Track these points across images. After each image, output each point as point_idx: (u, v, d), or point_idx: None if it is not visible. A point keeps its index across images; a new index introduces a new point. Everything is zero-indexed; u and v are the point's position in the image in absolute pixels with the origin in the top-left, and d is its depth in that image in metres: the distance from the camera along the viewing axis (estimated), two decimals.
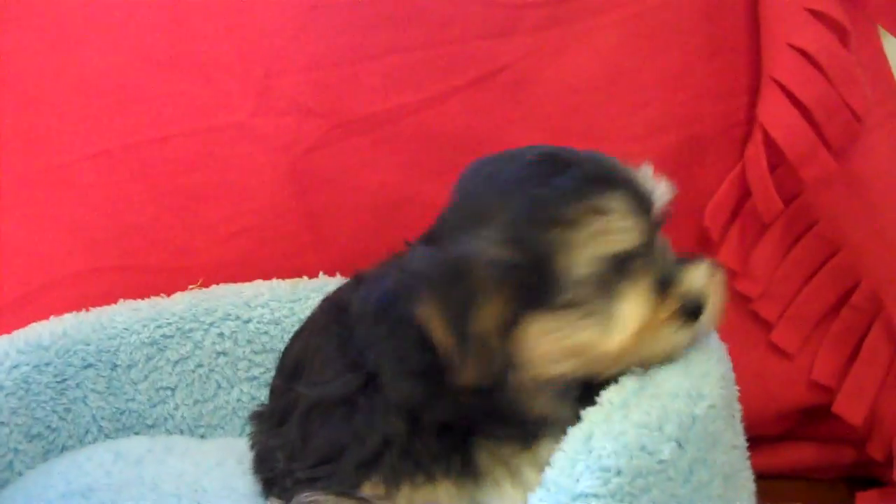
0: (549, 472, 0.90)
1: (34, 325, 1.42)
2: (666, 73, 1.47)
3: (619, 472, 0.88)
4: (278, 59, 1.50)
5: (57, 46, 1.54)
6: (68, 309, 1.48)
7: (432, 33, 1.48)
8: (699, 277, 1.00)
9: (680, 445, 0.92)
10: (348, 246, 1.52)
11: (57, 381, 1.39)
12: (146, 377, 1.46)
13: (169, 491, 1.27)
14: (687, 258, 1.03)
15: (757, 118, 1.42)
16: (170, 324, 1.46)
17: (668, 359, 0.99)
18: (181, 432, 1.47)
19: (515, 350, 0.96)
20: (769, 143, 1.41)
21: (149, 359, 1.45)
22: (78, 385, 1.42)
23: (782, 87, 1.39)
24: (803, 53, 1.37)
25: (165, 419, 1.47)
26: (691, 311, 0.98)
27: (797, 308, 1.47)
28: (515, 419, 1.00)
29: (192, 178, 1.54)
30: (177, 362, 1.47)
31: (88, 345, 1.42)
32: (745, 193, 1.47)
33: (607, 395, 0.97)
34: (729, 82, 1.48)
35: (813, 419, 1.53)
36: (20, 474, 1.35)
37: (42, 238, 1.57)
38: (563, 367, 0.97)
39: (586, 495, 0.87)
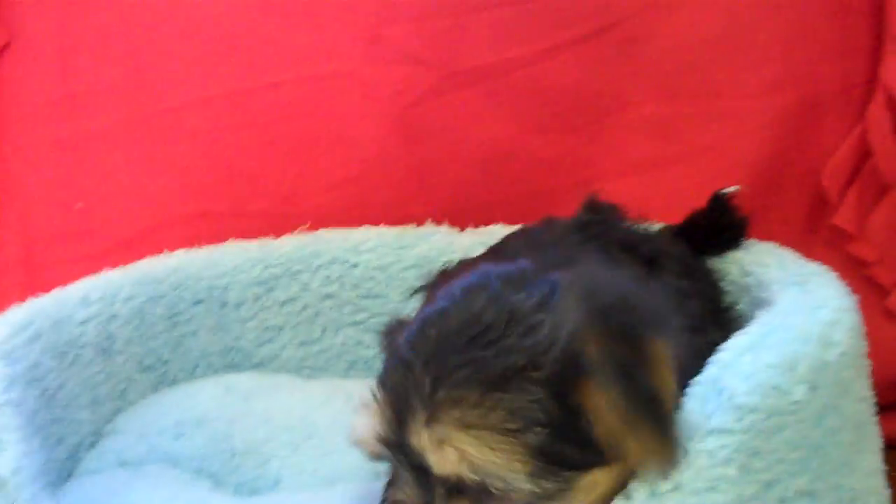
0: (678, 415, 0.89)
1: (147, 259, 1.44)
2: (785, 30, 1.46)
3: (752, 410, 0.87)
4: (389, 8, 1.51)
5: None
6: (179, 248, 1.50)
7: None
8: None
9: (812, 388, 0.91)
10: (454, 196, 1.53)
11: (170, 315, 1.42)
12: (254, 316, 1.48)
13: (280, 424, 1.29)
14: None
15: (880, 78, 1.40)
16: (279, 264, 1.48)
17: None
18: (286, 372, 1.49)
19: None
20: (892, 104, 1.38)
21: (257, 298, 1.47)
22: (189, 320, 1.44)
23: None
24: None
25: (272, 359, 1.49)
26: None
27: None
28: None
29: (302, 126, 1.55)
30: (284, 303, 1.48)
31: (200, 281, 1.44)
32: (864, 155, 1.45)
33: (733, 341, 0.96)
34: (850, 42, 1.46)
35: None
36: (132, 403, 1.37)
37: (152, 181, 1.59)
38: None
39: (719, 431, 0.86)
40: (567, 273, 0.91)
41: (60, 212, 1.60)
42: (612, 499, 0.86)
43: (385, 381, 0.89)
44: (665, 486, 0.84)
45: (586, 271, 0.94)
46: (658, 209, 1.34)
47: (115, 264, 1.43)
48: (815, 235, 1.42)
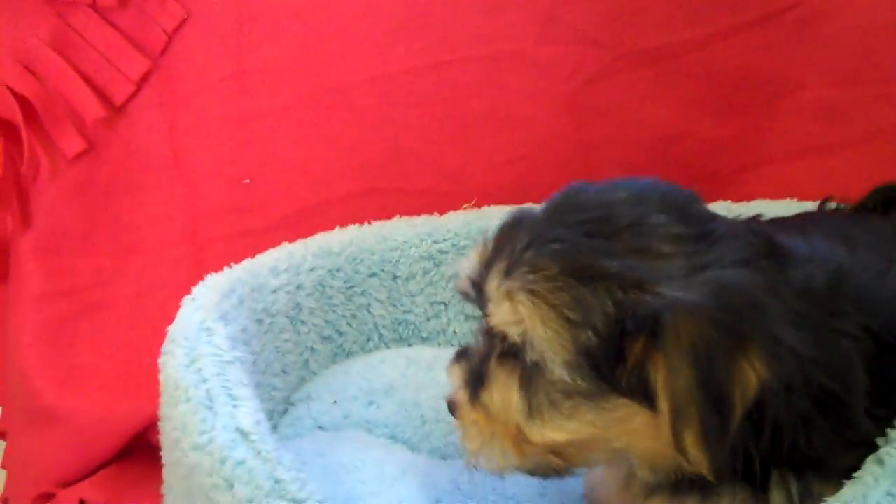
0: None
1: (321, 234, 1.47)
2: None
3: None
4: None
5: None
6: (341, 225, 1.52)
7: None
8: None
9: None
10: (620, 177, 1.53)
11: (346, 287, 1.45)
12: (422, 290, 1.50)
13: None
14: None
15: None
16: (445, 240, 1.50)
17: None
18: (453, 346, 1.50)
19: None
20: None
21: (425, 272, 1.50)
22: (363, 293, 1.47)
23: None
24: None
25: (439, 332, 1.52)
26: None
27: None
28: None
29: (470, 105, 1.58)
30: (451, 278, 1.50)
31: (373, 254, 1.47)
32: None
33: None
34: None
35: None
36: (314, 373, 1.41)
37: (319, 157, 1.62)
38: None
39: None
40: (752, 252, 0.86)
41: (228, 187, 1.63)
42: (651, 455, 0.86)
43: (497, 231, 0.92)
44: None
45: (776, 263, 0.88)
46: (825, 193, 1.35)
47: (279, 240, 1.45)
48: None
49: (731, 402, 0.78)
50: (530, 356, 0.86)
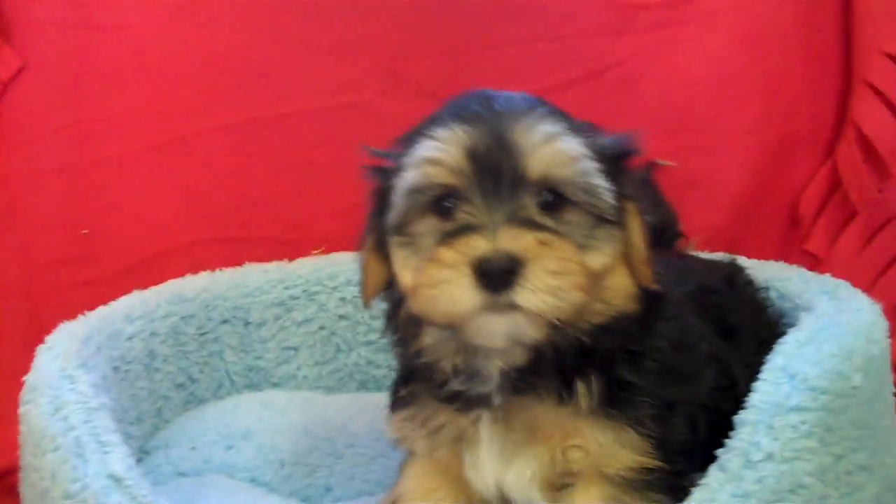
0: (754, 397, 1.01)
1: (174, 280, 1.47)
2: (767, 75, 1.62)
3: (824, 392, 1.00)
4: (407, 45, 1.60)
5: (186, 21, 1.60)
6: (185, 275, 1.53)
7: (553, 29, 1.61)
8: (498, 240, 0.90)
9: (865, 376, 1.04)
10: None
11: (200, 334, 1.45)
12: (274, 336, 1.53)
13: (321, 435, 1.36)
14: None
15: (850, 117, 1.58)
16: (296, 286, 1.53)
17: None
18: (302, 391, 1.53)
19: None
20: (860, 139, 1.56)
21: (276, 318, 1.52)
22: (216, 339, 1.48)
23: (874, 89, 1.55)
24: (894, 59, 1.53)
25: (289, 378, 1.54)
26: (485, 274, 0.89)
27: (876, 294, 1.60)
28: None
29: (315, 154, 1.62)
30: (301, 323, 1.54)
31: (226, 301, 1.49)
32: (832, 187, 1.63)
33: (792, 335, 1.10)
34: (821, 87, 1.64)
35: None
36: (167, 421, 1.40)
37: (162, 206, 1.62)
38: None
39: (799, 409, 0.98)
40: None
41: (66, 237, 1.61)
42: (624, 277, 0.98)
43: (453, 117, 0.97)
44: (757, 455, 0.95)
45: None
46: None
47: (122, 290, 1.44)
48: (788, 259, 1.54)
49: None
50: (575, 191, 0.94)
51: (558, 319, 0.90)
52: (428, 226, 0.96)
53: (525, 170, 0.92)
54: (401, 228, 0.97)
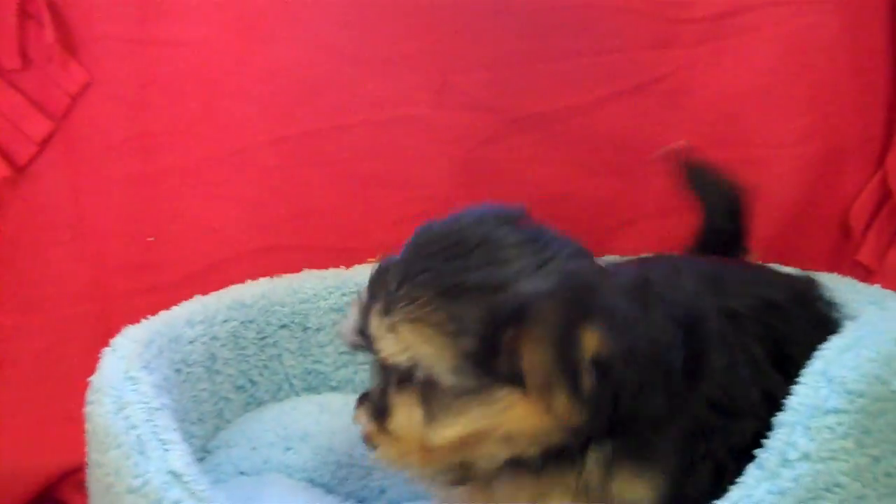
0: (792, 400, 1.04)
1: (234, 286, 1.52)
2: (813, 87, 1.63)
3: (861, 395, 1.02)
4: (458, 59, 1.63)
5: (245, 37, 1.65)
6: (245, 281, 1.58)
7: (601, 42, 1.63)
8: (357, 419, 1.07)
9: None
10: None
11: (259, 338, 1.50)
12: (331, 340, 1.56)
13: None
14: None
15: None
16: (353, 292, 1.55)
17: None
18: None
19: None
20: None
21: (334, 323, 1.55)
22: (275, 343, 1.52)
23: None
24: None
25: (347, 382, 1.58)
26: None
27: None
28: None
29: (369, 166, 1.66)
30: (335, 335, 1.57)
31: (284, 307, 1.53)
32: (883, 198, 1.64)
33: (834, 341, 1.12)
34: (870, 98, 1.64)
35: None
36: (228, 422, 1.45)
37: (223, 216, 1.67)
38: None
39: (836, 411, 1.01)
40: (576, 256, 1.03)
41: (133, 244, 1.67)
42: (530, 439, 0.98)
43: (369, 282, 1.06)
44: (794, 454, 0.97)
45: (594, 266, 1.06)
46: None
47: (185, 296, 1.49)
48: (840, 271, 1.54)
49: (581, 366, 0.93)
50: (420, 374, 0.98)
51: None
52: None
53: (377, 352, 1.01)
54: None
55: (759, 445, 1.02)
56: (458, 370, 0.97)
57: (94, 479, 1.12)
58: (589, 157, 1.66)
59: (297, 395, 1.55)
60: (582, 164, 1.66)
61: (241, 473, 1.34)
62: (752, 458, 1.00)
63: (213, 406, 1.43)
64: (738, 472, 1.00)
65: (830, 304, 1.26)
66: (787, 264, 1.48)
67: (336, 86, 1.65)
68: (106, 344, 1.48)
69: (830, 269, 1.53)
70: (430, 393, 0.99)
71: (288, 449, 1.37)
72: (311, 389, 1.56)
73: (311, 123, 1.65)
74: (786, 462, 0.97)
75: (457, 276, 0.97)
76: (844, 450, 0.99)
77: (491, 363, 0.96)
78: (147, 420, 1.10)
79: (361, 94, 1.65)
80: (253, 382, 1.50)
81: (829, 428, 0.99)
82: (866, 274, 1.63)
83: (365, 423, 1.06)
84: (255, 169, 1.67)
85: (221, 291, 1.49)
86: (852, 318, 1.22)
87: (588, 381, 0.94)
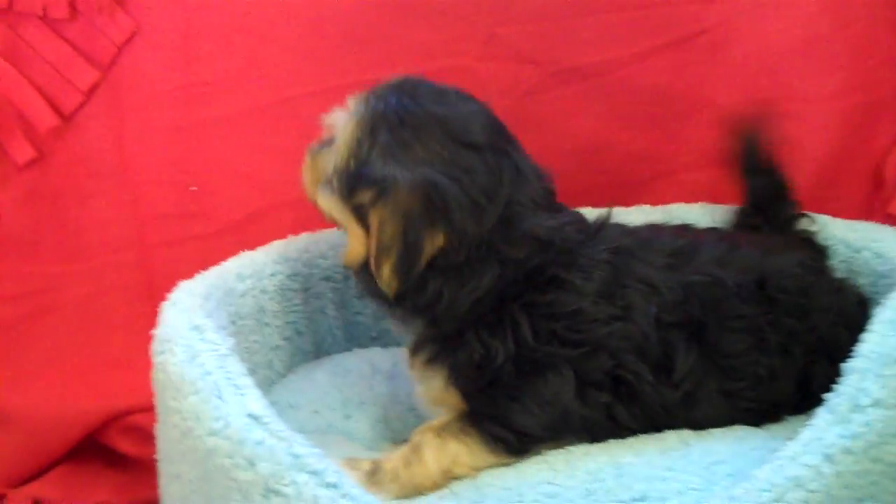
0: (863, 347, 1.07)
1: (278, 241, 1.53)
2: (853, 41, 1.66)
3: None
4: (504, 11, 1.65)
5: None
6: (287, 232, 1.58)
7: None
8: None
9: None
10: None
11: (304, 290, 1.52)
12: None
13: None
14: None
15: None
16: None
17: None
18: (398, 345, 1.60)
19: None
20: None
21: None
22: (318, 296, 1.54)
23: None
24: None
25: (385, 333, 1.60)
26: None
27: None
28: None
29: None
30: None
31: (326, 259, 1.54)
32: None
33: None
34: None
35: None
36: (280, 373, 1.49)
37: (265, 166, 1.69)
38: None
39: None
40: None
41: (175, 194, 1.69)
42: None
43: None
44: (865, 400, 1.01)
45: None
46: (732, 197, 1.54)
47: (226, 245, 1.51)
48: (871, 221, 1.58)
49: (420, 252, 1.12)
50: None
51: None
52: None
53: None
54: None
55: (629, 388, 1.15)
56: (340, 178, 1.18)
57: (171, 426, 1.14)
58: (628, 109, 1.69)
59: (341, 346, 1.58)
60: (621, 116, 1.69)
61: (306, 433, 1.36)
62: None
63: (263, 357, 1.45)
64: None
65: (801, 292, 1.26)
66: (822, 212, 1.52)
67: (381, 37, 1.66)
68: (147, 292, 1.52)
69: (864, 219, 1.56)
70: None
71: (348, 417, 1.40)
72: (352, 339, 1.59)
73: (355, 75, 1.65)
74: (857, 407, 1.01)
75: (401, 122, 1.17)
76: None
77: (351, 195, 1.17)
78: (220, 367, 1.12)
79: (406, 45, 1.66)
80: (299, 333, 1.52)
81: None
82: None
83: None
84: (299, 120, 1.66)
85: (266, 246, 1.50)
86: None
87: (417, 268, 1.12)
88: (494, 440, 1.14)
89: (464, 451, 1.13)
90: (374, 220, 1.14)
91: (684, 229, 1.37)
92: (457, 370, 1.18)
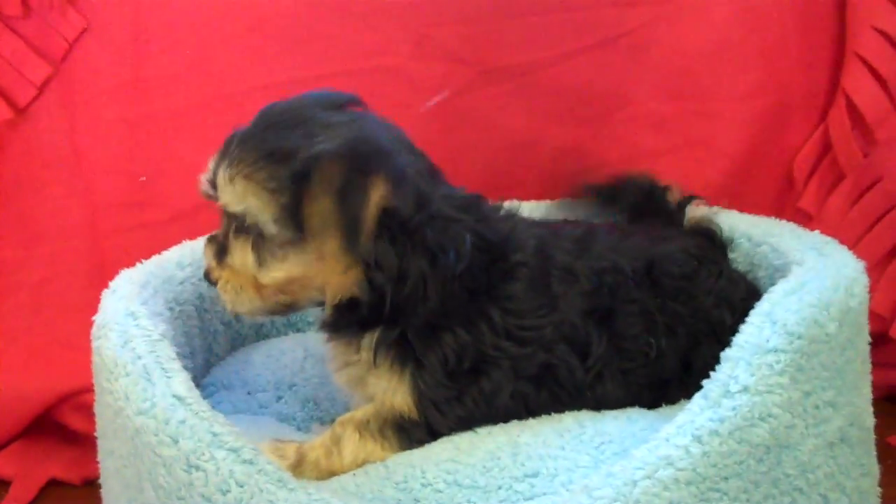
0: (738, 337, 1.16)
1: None
2: (765, 44, 1.76)
3: (799, 337, 1.15)
4: (436, 13, 1.73)
5: None
6: None
7: None
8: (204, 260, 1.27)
9: (840, 325, 1.19)
10: (482, 178, 1.74)
11: None
12: None
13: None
14: None
15: (841, 87, 1.72)
16: None
17: None
18: None
19: None
20: (850, 108, 1.71)
21: None
22: None
23: (864, 62, 1.68)
24: (883, 34, 1.67)
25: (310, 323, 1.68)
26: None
27: (860, 250, 1.73)
28: None
29: None
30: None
31: None
32: (824, 151, 1.78)
33: (780, 285, 1.25)
34: (816, 56, 1.77)
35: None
36: (219, 357, 1.57)
37: (211, 156, 1.76)
38: None
39: (776, 350, 1.13)
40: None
41: (125, 183, 1.77)
42: (337, 284, 1.18)
43: (223, 144, 1.23)
44: (735, 387, 1.10)
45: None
46: None
47: (175, 232, 1.58)
48: (782, 216, 1.66)
49: (363, 217, 1.11)
50: (250, 221, 1.16)
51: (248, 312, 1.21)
52: None
53: (220, 199, 1.20)
54: None
55: (552, 375, 1.23)
56: (279, 222, 1.14)
57: (105, 405, 1.23)
58: (554, 107, 1.78)
59: (278, 329, 1.67)
60: (549, 113, 1.78)
61: (239, 412, 1.45)
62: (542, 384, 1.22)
63: (203, 341, 1.54)
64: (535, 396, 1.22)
65: (684, 277, 1.34)
66: (734, 208, 1.60)
67: (319, 36, 1.74)
68: (100, 277, 1.60)
69: (775, 215, 1.65)
70: (259, 240, 1.17)
71: (279, 398, 1.49)
72: (290, 325, 1.68)
73: (296, 72, 1.74)
74: (727, 393, 1.10)
75: (279, 142, 1.15)
76: (780, 385, 1.11)
77: (301, 217, 1.13)
78: (150, 351, 1.21)
79: (342, 44, 1.74)
80: (238, 318, 1.59)
81: (768, 365, 1.12)
82: (807, 220, 1.78)
83: (209, 258, 1.24)
84: (243, 114, 1.72)
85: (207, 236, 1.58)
86: (798, 263, 1.34)
87: (369, 224, 1.11)
88: (412, 442, 1.21)
89: (379, 449, 1.21)
90: (306, 208, 1.13)
91: (575, 223, 1.45)
92: (424, 379, 1.20)
